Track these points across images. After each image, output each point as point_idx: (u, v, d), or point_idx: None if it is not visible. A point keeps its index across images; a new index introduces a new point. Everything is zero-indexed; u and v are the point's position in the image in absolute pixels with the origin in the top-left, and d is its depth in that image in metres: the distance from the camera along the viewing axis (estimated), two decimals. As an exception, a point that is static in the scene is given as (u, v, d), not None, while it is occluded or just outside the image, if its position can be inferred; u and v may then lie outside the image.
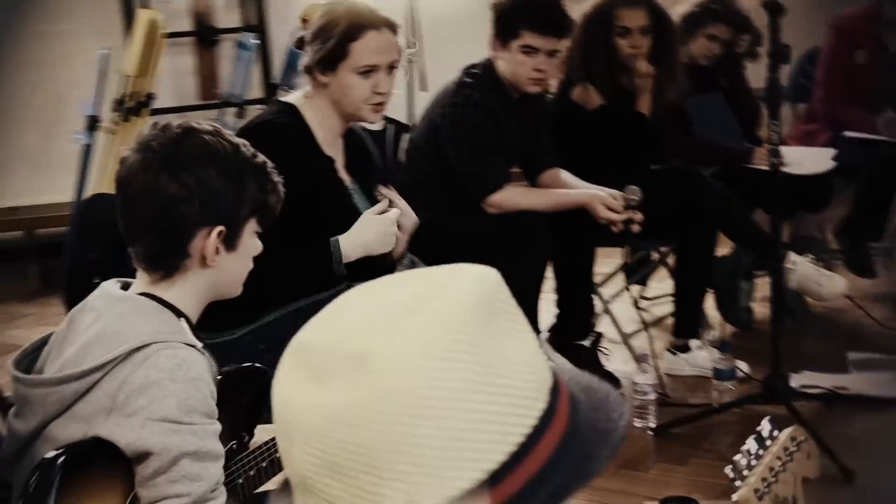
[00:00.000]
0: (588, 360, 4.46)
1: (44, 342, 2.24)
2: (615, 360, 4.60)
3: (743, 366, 4.37)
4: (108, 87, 5.50)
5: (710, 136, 4.77)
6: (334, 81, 3.28)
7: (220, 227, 2.18)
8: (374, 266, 3.34)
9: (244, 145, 2.26)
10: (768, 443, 1.76)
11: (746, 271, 4.81)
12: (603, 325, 4.72)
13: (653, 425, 4.07)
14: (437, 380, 1.07)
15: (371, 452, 1.07)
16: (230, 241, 2.21)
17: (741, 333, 4.93)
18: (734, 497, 1.67)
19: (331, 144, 3.38)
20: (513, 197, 4.14)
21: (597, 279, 4.72)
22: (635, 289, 5.27)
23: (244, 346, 3.12)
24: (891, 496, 3.57)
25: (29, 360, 2.20)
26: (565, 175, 4.35)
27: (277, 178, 2.33)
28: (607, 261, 4.90)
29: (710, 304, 4.99)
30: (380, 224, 3.28)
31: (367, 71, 3.27)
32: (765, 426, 1.80)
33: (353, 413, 1.07)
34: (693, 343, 4.56)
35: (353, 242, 3.22)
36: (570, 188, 4.29)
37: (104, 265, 2.71)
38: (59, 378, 2.08)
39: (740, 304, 4.93)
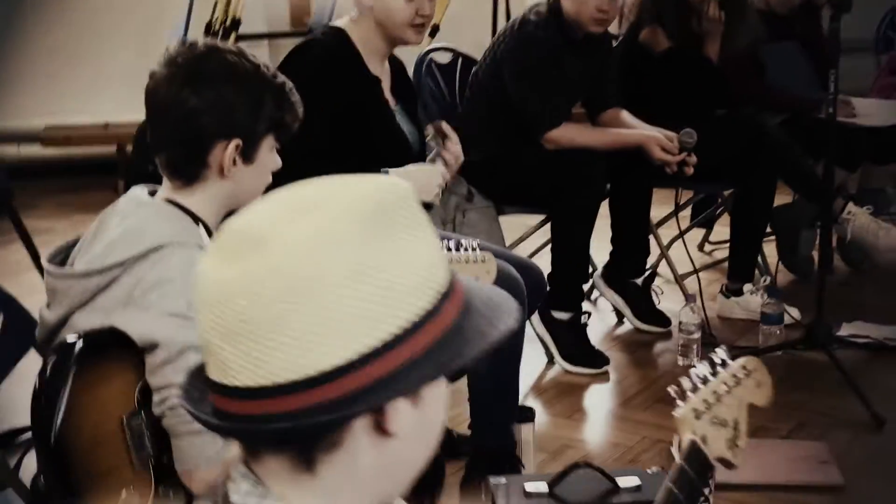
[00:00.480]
0: (640, 297, 4.56)
1: (77, 239, 2.35)
2: (667, 299, 4.66)
3: (794, 312, 4.41)
4: (198, 10, 5.62)
5: (783, 84, 4.76)
6: (379, 3, 3.30)
7: (237, 140, 2.27)
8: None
9: (265, 66, 2.34)
10: (718, 369, 1.79)
11: (808, 220, 4.80)
12: (660, 265, 4.80)
13: (695, 364, 4.14)
14: (320, 265, 1.18)
15: (256, 322, 1.18)
16: (247, 154, 2.29)
17: (800, 281, 4.95)
18: (674, 414, 1.72)
19: (377, 66, 3.39)
20: (570, 134, 4.18)
21: (658, 220, 4.79)
22: (700, 232, 5.33)
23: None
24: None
25: (63, 255, 2.32)
26: (626, 115, 4.37)
27: (296, 99, 2.39)
28: (669, 203, 4.96)
29: (770, 251, 5.04)
30: (428, 174, 3.31)
31: None
32: (719, 353, 1.83)
33: (245, 287, 1.19)
34: (746, 287, 4.61)
35: (400, 178, 3.27)
36: (630, 128, 4.32)
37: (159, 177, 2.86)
38: (84, 272, 2.21)
39: (801, 253, 4.94)
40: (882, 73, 5.45)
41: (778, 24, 4.84)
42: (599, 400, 4.08)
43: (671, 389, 1.75)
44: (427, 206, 3.51)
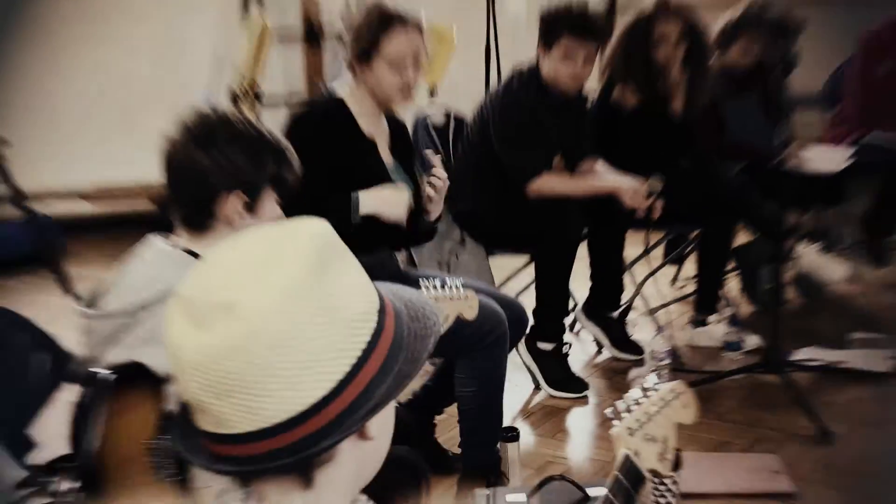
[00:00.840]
0: (616, 329, 4.58)
1: (105, 286, 2.40)
2: (641, 330, 4.68)
3: (754, 339, 4.46)
4: (223, 78, 5.69)
5: (741, 136, 4.80)
6: (370, 74, 3.31)
7: (242, 195, 2.33)
8: (418, 229, 3.49)
9: (267, 131, 2.39)
10: (650, 392, 1.78)
11: (766, 257, 4.79)
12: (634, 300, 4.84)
13: (665, 387, 4.19)
14: (292, 318, 1.21)
15: (246, 377, 1.21)
16: (251, 207, 2.35)
17: (761, 311, 4.93)
18: (611, 432, 1.72)
19: (373, 127, 3.40)
20: (550, 184, 4.19)
21: (631, 260, 4.83)
22: (673, 269, 5.37)
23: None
24: (863, 458, 3.64)
25: (93, 299, 2.36)
26: (600, 165, 4.39)
27: (294, 159, 2.43)
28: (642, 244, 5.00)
29: (733, 285, 5.08)
30: (397, 194, 3.28)
31: (397, 64, 3.29)
32: (650, 379, 1.82)
33: (229, 350, 1.21)
34: (711, 318, 4.64)
35: (369, 197, 3.21)
36: (604, 178, 4.34)
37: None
38: (111, 313, 2.27)
39: (760, 286, 4.95)
40: (830, 123, 5.50)
41: (735, 82, 4.88)
42: (580, 421, 4.09)
43: (608, 411, 1.75)
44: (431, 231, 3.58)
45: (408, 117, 4.83)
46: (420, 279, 2.83)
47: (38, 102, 6.56)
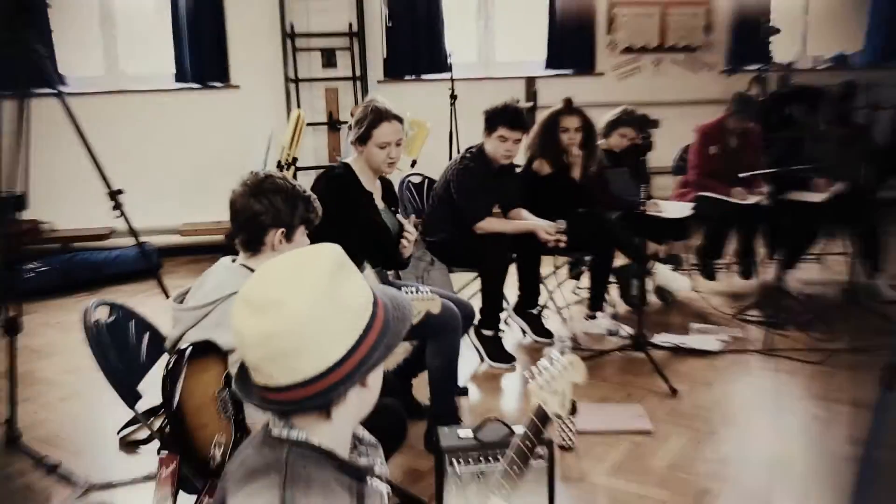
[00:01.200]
0: (535, 322, 4.56)
1: (189, 289, 2.41)
2: (551, 322, 4.67)
3: (627, 328, 4.47)
4: (272, 152, 5.65)
5: (618, 193, 4.82)
6: (366, 151, 3.31)
7: (282, 229, 2.34)
8: (394, 263, 3.45)
9: (299, 186, 2.39)
10: (554, 362, 1.78)
11: (636, 273, 4.83)
12: (548, 302, 4.85)
13: (567, 360, 4.19)
14: (320, 312, 1.26)
15: (289, 350, 1.25)
16: (288, 237, 2.36)
17: (632, 309, 4.91)
18: (528, 388, 1.74)
19: (370, 184, 3.37)
20: (490, 224, 4.18)
21: (546, 275, 4.83)
22: (573, 282, 5.39)
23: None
24: (699, 407, 3.67)
25: (181, 297, 2.37)
26: (524, 212, 4.38)
27: (317, 206, 2.43)
28: (559, 265, 5.01)
29: (614, 291, 5.10)
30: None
31: (384, 146, 3.28)
32: (555, 352, 1.82)
33: (279, 332, 1.25)
34: (599, 314, 4.63)
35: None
36: (526, 220, 4.32)
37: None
38: (193, 307, 2.27)
39: (632, 292, 4.97)
40: (677, 186, 5.54)
41: (614, 158, 4.91)
42: (510, 383, 4.08)
43: (526, 373, 1.76)
44: (403, 265, 3.56)
45: (396, 179, 4.83)
46: (402, 286, 2.82)
47: (145, 164, 6.52)
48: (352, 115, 3.44)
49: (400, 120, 3.32)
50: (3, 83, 2.99)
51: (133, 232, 3.20)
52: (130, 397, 2.34)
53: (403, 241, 3.32)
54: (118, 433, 3.49)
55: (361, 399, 1.36)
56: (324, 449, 1.31)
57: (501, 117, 4.12)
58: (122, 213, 3.16)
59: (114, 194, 3.15)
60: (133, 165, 6.28)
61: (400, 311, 1.39)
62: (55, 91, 3.11)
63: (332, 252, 1.33)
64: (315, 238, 2.85)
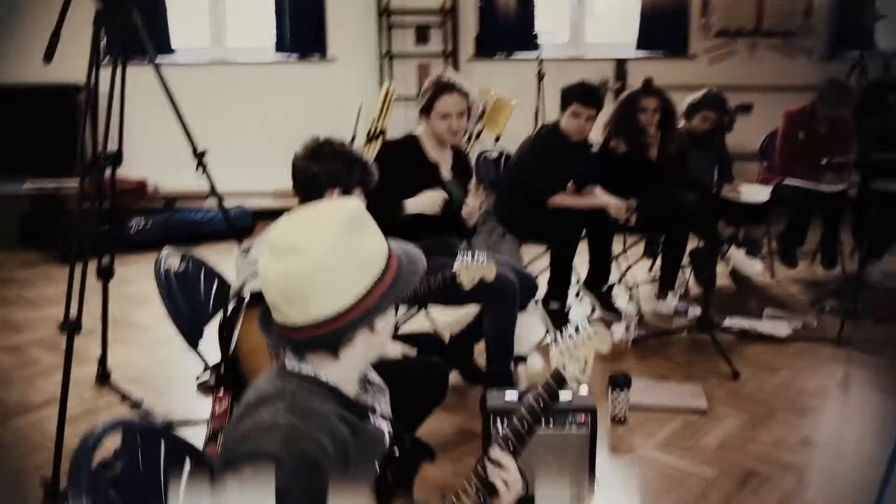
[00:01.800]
0: (604, 298, 4.51)
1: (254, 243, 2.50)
2: (621, 300, 4.62)
3: (696, 310, 4.41)
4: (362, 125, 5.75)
5: (697, 175, 4.72)
6: (430, 121, 3.36)
7: (339, 188, 2.42)
8: (461, 230, 3.50)
9: (356, 151, 2.47)
10: (580, 330, 1.78)
11: (709, 256, 4.73)
12: (618, 280, 4.80)
13: (632, 338, 4.14)
14: (334, 258, 1.33)
15: (304, 290, 1.33)
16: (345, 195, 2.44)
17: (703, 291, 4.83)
18: (550, 351, 1.77)
19: (435, 154, 3.41)
20: (562, 199, 4.20)
21: (624, 253, 4.80)
22: (647, 262, 5.31)
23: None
24: (760, 391, 3.60)
25: (247, 250, 2.46)
26: (598, 190, 4.37)
27: (373, 170, 2.49)
28: (630, 244, 4.96)
29: (687, 274, 5.01)
30: (430, 198, 3.28)
31: (445, 116, 3.32)
32: (580, 323, 1.78)
33: (297, 275, 1.33)
34: (669, 294, 4.59)
35: (410, 202, 3.24)
36: (599, 197, 4.32)
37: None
38: (254, 259, 2.35)
39: (705, 275, 4.84)
40: (763, 171, 5.40)
41: (697, 139, 4.81)
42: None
43: (549, 338, 1.79)
44: (467, 233, 3.59)
45: (474, 153, 4.89)
46: (459, 252, 2.87)
47: (243, 131, 6.73)
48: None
49: (464, 93, 3.34)
50: (109, 50, 3.19)
51: (215, 192, 3.35)
52: (193, 339, 2.47)
53: (464, 210, 3.35)
54: (196, 378, 3.68)
55: (369, 343, 1.42)
56: (329, 385, 1.39)
57: (576, 94, 4.12)
58: (206, 173, 3.30)
59: (198, 155, 3.29)
60: (233, 132, 6.51)
61: (413, 266, 1.45)
62: (150, 61, 3.27)
63: (351, 205, 1.40)
64: (376, 203, 2.93)
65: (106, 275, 3.62)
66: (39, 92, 6.34)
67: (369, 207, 3.09)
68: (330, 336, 1.35)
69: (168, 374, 3.88)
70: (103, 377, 3.73)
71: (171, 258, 2.60)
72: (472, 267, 2.79)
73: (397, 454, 1.53)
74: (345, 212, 1.38)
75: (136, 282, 5.06)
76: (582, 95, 4.08)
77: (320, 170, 2.40)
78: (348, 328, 1.35)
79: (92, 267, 3.38)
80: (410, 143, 3.40)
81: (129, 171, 6.62)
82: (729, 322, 4.34)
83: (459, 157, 3.57)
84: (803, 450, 3.10)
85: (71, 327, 2.91)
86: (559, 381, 1.71)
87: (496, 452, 1.57)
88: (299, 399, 1.34)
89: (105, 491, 1.34)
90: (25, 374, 3.85)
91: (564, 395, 2.74)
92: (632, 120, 4.47)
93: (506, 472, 1.53)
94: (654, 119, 4.46)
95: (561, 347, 1.75)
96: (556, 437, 2.69)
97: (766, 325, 4.32)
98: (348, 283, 1.34)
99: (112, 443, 1.48)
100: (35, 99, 6.43)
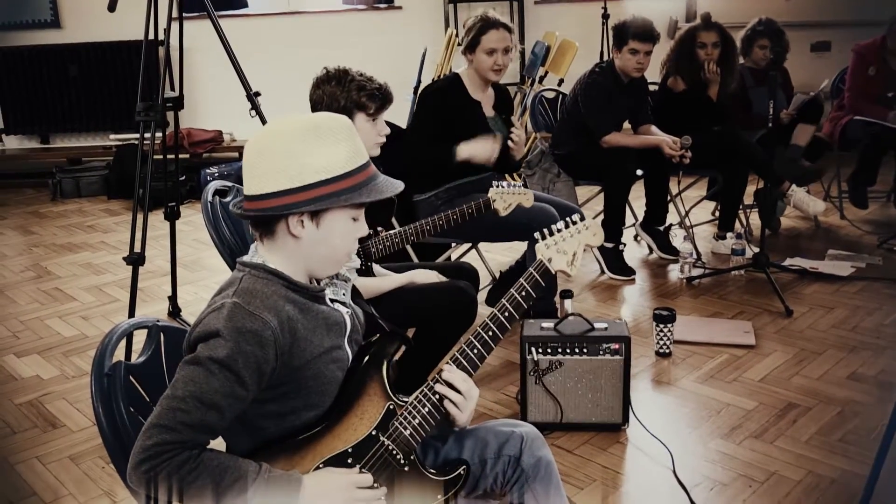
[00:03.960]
0: (661, 238, 4.51)
1: None
2: (678, 239, 4.57)
3: (754, 248, 4.35)
4: (427, 70, 5.81)
5: (760, 112, 4.63)
6: (475, 59, 3.39)
7: (363, 114, 2.52)
8: (506, 165, 3.53)
9: (361, 75, 2.54)
10: (570, 224, 1.80)
11: (773, 196, 4.64)
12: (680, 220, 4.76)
13: (687, 276, 4.15)
14: (285, 140, 1.47)
15: (254, 162, 1.49)
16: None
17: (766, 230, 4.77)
18: (536, 245, 1.76)
19: (478, 93, 3.43)
20: (617, 139, 4.18)
21: (680, 194, 4.74)
22: (706, 203, 5.24)
23: (431, 201, 3.38)
24: (813, 329, 3.56)
25: None
26: (654, 129, 4.32)
27: (380, 93, 2.53)
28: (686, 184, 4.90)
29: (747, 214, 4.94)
30: (485, 148, 3.27)
31: (491, 52, 3.35)
32: (574, 218, 1.81)
33: (252, 145, 1.50)
34: (728, 234, 4.53)
35: (463, 148, 3.24)
36: (654, 136, 4.27)
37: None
38: None
39: (770, 215, 4.79)
40: (833, 110, 5.20)
41: (759, 74, 4.71)
42: (628, 294, 4.09)
43: (537, 235, 1.76)
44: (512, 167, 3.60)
45: (530, 95, 4.90)
46: (493, 181, 2.92)
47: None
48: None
49: (508, 29, 3.36)
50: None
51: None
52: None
53: (509, 143, 3.39)
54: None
55: (315, 240, 1.50)
56: (275, 270, 1.50)
57: (631, 30, 4.08)
58: (259, 114, 3.43)
59: (251, 96, 3.42)
60: (304, 81, 6.65)
61: (387, 185, 1.53)
62: (208, 13, 3.41)
63: (327, 119, 1.51)
64: (421, 144, 2.97)
65: (172, 217, 3.82)
66: (122, 48, 6.64)
67: (413, 148, 3.17)
68: (255, 213, 1.47)
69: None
70: (174, 313, 3.97)
71: (218, 188, 2.73)
72: (507, 193, 2.85)
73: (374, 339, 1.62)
74: (313, 119, 1.49)
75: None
76: (639, 31, 4.05)
77: (319, 96, 2.51)
78: (265, 212, 1.46)
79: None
80: (452, 82, 3.44)
81: (206, 122, 6.90)
82: (791, 262, 4.27)
83: (501, 93, 3.60)
84: (849, 384, 3.07)
85: (134, 260, 3.10)
86: (543, 272, 1.73)
87: (445, 367, 1.63)
88: (245, 283, 1.47)
89: (124, 378, 1.49)
90: (105, 310, 4.12)
91: (597, 324, 2.81)
92: (690, 56, 4.41)
93: (455, 384, 1.60)
94: (714, 54, 4.38)
95: (548, 242, 1.77)
96: (590, 363, 2.74)
97: (828, 266, 4.23)
98: (275, 173, 1.45)
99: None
100: (118, 55, 6.73)
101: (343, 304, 1.63)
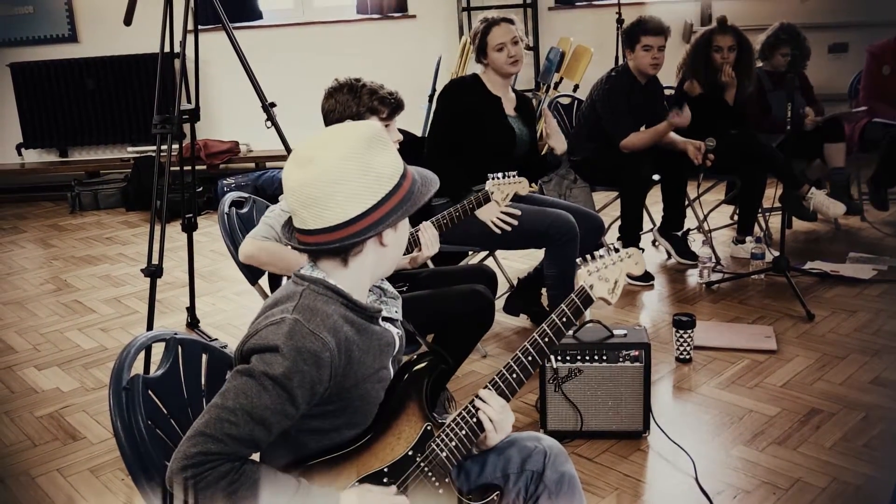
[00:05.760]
0: (680, 243, 4.46)
1: None
2: (696, 244, 4.55)
3: (774, 252, 4.31)
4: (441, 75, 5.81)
5: (780, 116, 4.59)
6: (489, 57, 3.37)
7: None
8: (546, 163, 3.58)
9: (372, 82, 2.54)
10: (613, 252, 1.76)
11: (794, 199, 4.57)
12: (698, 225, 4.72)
13: (706, 281, 4.12)
14: (341, 170, 1.42)
15: (316, 198, 1.43)
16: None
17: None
18: (578, 271, 1.73)
19: (498, 90, 3.43)
20: (635, 140, 4.15)
21: (699, 198, 4.71)
22: (724, 207, 5.21)
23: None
24: (835, 333, 3.52)
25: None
26: (671, 133, 4.23)
27: (391, 99, 2.53)
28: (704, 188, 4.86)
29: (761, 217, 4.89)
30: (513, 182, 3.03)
31: (500, 47, 3.34)
32: (616, 245, 1.80)
33: (308, 182, 1.43)
34: (748, 238, 4.48)
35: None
36: (674, 138, 4.23)
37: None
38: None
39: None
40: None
41: (778, 78, 4.68)
42: (647, 300, 4.07)
43: (578, 260, 1.74)
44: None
45: (545, 102, 4.88)
46: (490, 176, 2.92)
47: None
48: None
49: (510, 21, 3.39)
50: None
51: (285, 143, 3.48)
52: (253, 277, 2.61)
53: (545, 131, 3.42)
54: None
55: (379, 255, 1.52)
56: (336, 288, 1.48)
57: (642, 27, 4.10)
58: (275, 125, 3.44)
59: (265, 107, 3.43)
60: (318, 91, 6.67)
61: (426, 186, 1.53)
62: (223, 25, 3.43)
63: (368, 125, 1.50)
64: (438, 142, 2.97)
65: (190, 228, 3.83)
66: (138, 61, 6.70)
67: (431, 150, 3.14)
68: (339, 243, 1.44)
69: (249, 321, 4.08)
70: (192, 324, 3.98)
71: (234, 201, 2.74)
72: (503, 184, 2.86)
73: (416, 359, 1.60)
74: (361, 129, 1.47)
75: (226, 237, 5.33)
76: (650, 26, 4.06)
77: (331, 105, 2.51)
78: (356, 236, 1.44)
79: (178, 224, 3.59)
80: (472, 80, 3.46)
81: (222, 133, 6.93)
82: (811, 265, 4.23)
83: (522, 101, 3.60)
84: (873, 390, 3.03)
85: (152, 272, 3.11)
86: (584, 299, 1.70)
87: (484, 392, 1.63)
88: (306, 299, 1.45)
89: (142, 392, 1.48)
90: (124, 322, 4.14)
91: (619, 331, 2.79)
92: (706, 60, 4.38)
93: (492, 411, 1.60)
94: (731, 58, 4.35)
95: (590, 267, 1.74)
96: (610, 370, 2.72)
97: (848, 268, 4.19)
98: (359, 194, 1.43)
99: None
100: (135, 68, 6.78)
101: (394, 322, 1.62)
